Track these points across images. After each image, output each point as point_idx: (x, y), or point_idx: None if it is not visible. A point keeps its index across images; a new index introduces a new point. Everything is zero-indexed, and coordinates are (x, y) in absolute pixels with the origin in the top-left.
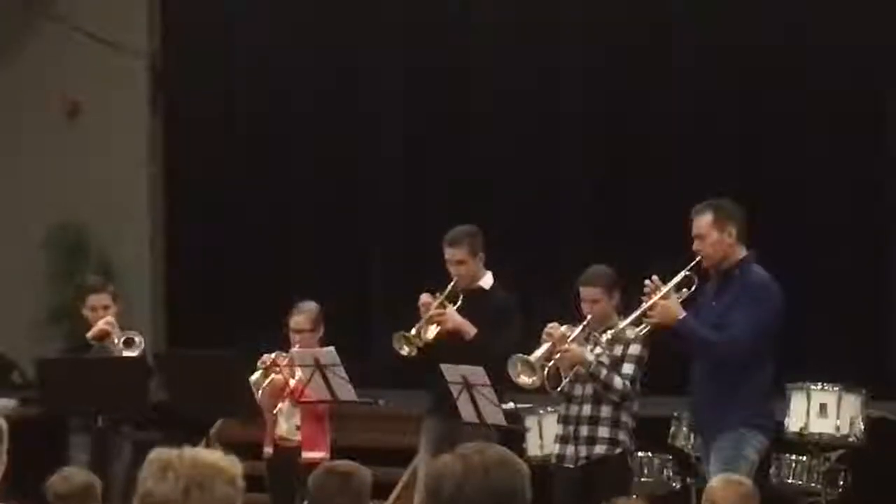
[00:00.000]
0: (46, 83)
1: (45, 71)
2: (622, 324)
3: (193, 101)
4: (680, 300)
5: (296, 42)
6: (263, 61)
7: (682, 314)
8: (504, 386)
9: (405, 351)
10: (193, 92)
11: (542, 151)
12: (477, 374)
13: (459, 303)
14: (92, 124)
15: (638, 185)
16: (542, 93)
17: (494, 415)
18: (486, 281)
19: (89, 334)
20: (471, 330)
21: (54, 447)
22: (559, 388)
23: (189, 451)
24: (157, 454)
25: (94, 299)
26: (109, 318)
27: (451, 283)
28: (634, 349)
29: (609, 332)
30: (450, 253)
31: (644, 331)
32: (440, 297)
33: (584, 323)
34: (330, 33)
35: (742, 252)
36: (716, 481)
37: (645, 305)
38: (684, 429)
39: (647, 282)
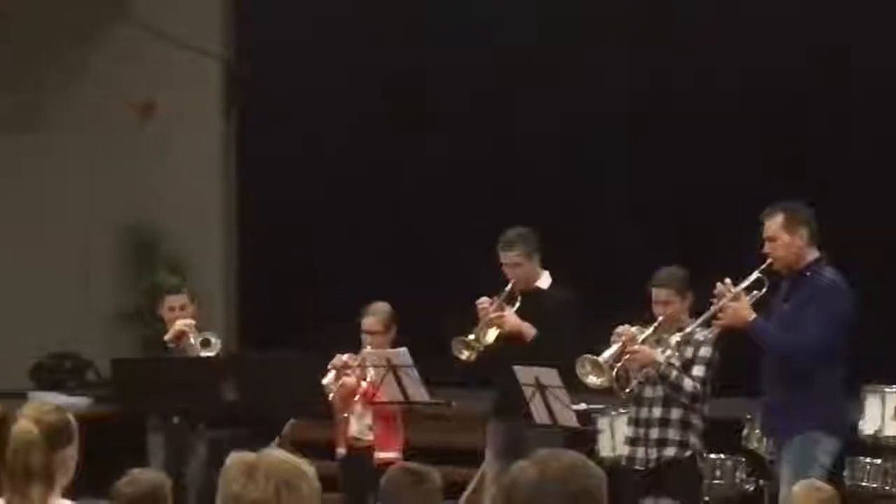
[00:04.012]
0: (121, 83)
1: (120, 71)
2: (692, 325)
3: (267, 102)
4: (751, 302)
5: (373, 45)
6: (337, 62)
7: (753, 316)
8: (567, 386)
9: (465, 356)
10: (267, 92)
11: (615, 155)
12: (550, 375)
13: (518, 304)
14: (166, 125)
15: (709, 186)
16: (596, 94)
17: (567, 416)
18: (544, 281)
19: (167, 336)
20: (530, 331)
21: (132, 446)
22: (628, 390)
23: (272, 453)
24: (239, 457)
25: (172, 300)
26: (188, 320)
27: (509, 286)
28: (705, 351)
29: (679, 333)
30: (505, 256)
31: (714, 333)
32: (498, 300)
33: (656, 324)
34: (406, 38)
35: (814, 254)
36: (797, 488)
37: (715, 307)
38: (757, 431)
39: (718, 284)
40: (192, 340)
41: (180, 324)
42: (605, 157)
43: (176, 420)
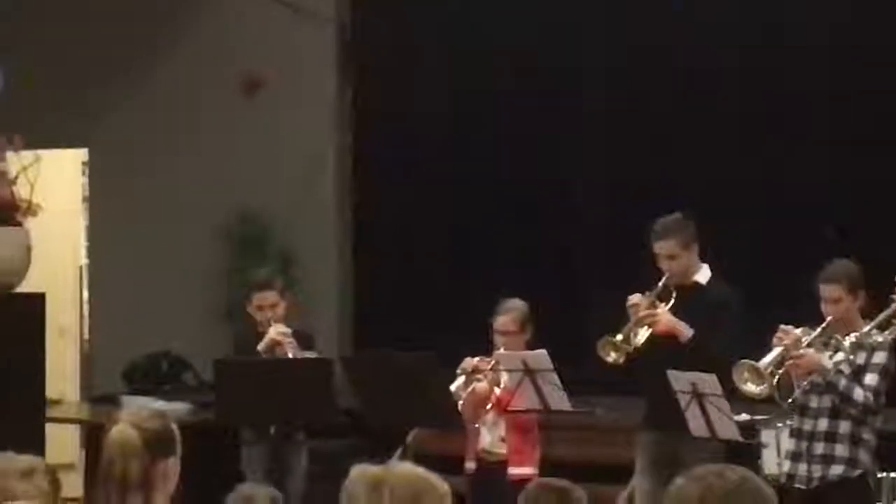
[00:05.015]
0: (224, 54)
1: (223, 41)
2: (867, 327)
3: (387, 74)
4: None
5: (498, 9)
6: (468, 27)
7: None
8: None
9: (612, 358)
10: (387, 63)
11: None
12: (708, 382)
13: (673, 301)
14: (274, 100)
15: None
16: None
17: (728, 428)
18: (703, 275)
19: (260, 347)
20: (686, 331)
21: (227, 458)
22: (790, 400)
23: (398, 466)
24: (363, 470)
25: (260, 297)
26: (283, 328)
27: (663, 280)
28: (879, 357)
29: (853, 335)
30: (658, 246)
31: (892, 336)
32: (650, 296)
33: (823, 325)
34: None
35: None
36: None
37: None
38: None
39: None
40: (289, 356)
41: (275, 332)
42: (764, 155)
43: (272, 430)
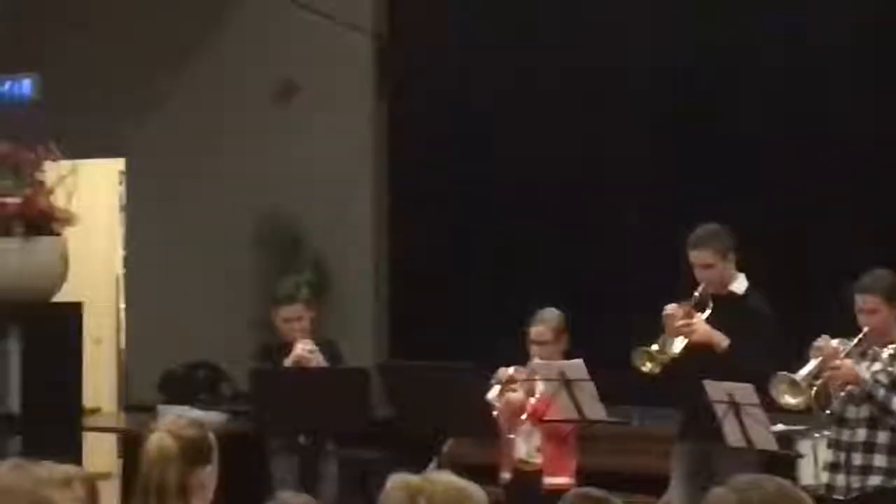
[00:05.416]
0: (256, 61)
1: (254, 47)
2: None
3: (423, 82)
4: None
5: (537, 18)
6: (501, 38)
7: None
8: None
9: (647, 368)
10: (423, 71)
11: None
12: (745, 392)
13: (709, 311)
14: (307, 107)
15: None
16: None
17: (765, 439)
18: (739, 285)
19: (287, 362)
20: (723, 341)
21: (263, 467)
22: (828, 411)
23: (437, 476)
24: (401, 479)
25: (286, 311)
26: (309, 344)
27: (699, 290)
28: None
29: (891, 347)
30: (694, 256)
31: None
32: (686, 306)
33: (860, 336)
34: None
35: None
36: None
37: None
38: None
39: None
40: None
41: (302, 349)
42: (796, 159)
43: (302, 440)
